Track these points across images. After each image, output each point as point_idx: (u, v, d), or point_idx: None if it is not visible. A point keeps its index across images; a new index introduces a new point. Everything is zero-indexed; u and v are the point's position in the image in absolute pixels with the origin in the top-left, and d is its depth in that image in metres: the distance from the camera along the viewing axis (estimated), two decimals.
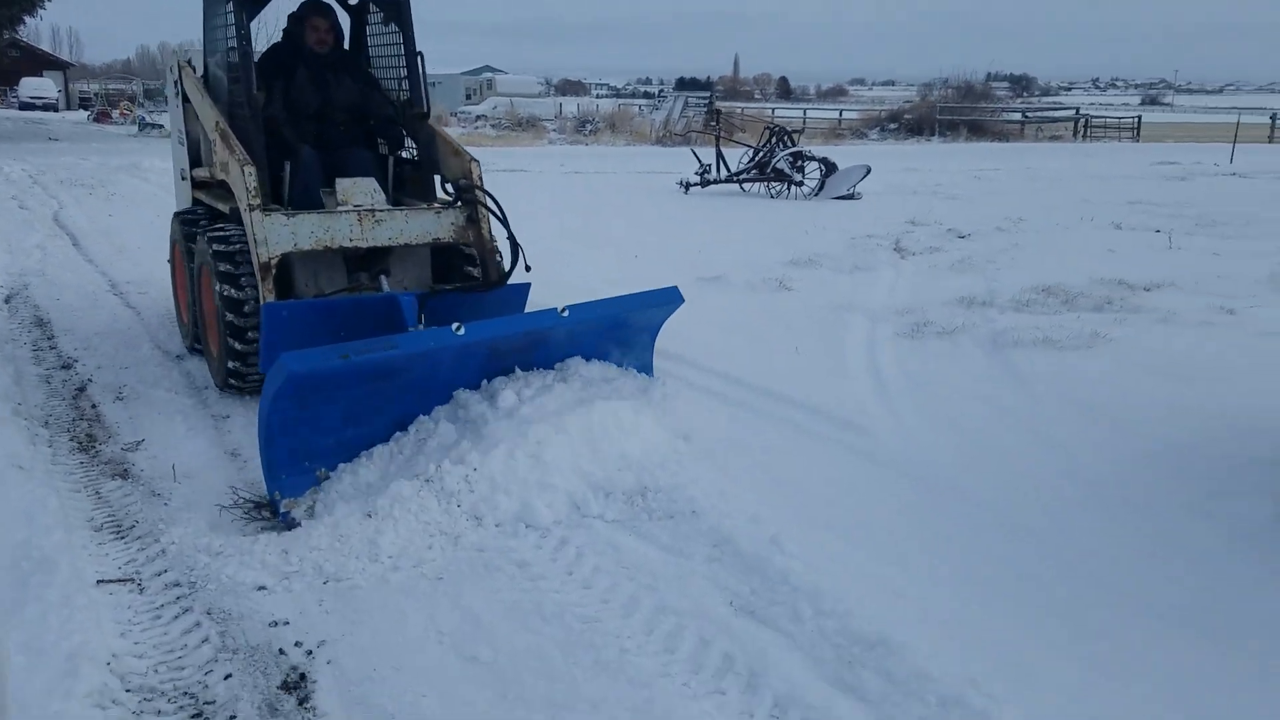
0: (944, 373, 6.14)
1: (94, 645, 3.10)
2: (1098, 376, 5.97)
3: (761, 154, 17.24)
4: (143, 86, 54.50)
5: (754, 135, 20.13)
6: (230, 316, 5.20)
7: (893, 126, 40.58)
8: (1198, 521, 4.16)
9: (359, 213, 5.29)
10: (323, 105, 5.85)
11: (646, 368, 5.36)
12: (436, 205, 5.68)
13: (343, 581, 3.61)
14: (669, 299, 5.16)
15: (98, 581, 3.57)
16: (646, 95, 68.56)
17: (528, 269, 5.30)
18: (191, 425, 5.18)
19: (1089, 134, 40.34)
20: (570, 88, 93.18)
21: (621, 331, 5.14)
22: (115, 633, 3.25)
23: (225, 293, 5.20)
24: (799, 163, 16.68)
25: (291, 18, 5.92)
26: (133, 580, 3.62)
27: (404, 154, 6.24)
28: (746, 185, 17.23)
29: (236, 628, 3.32)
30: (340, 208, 5.37)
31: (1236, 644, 3.27)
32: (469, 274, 5.73)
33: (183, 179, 6.67)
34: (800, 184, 16.50)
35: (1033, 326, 7.05)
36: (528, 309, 5.44)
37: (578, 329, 4.83)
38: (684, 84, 67.59)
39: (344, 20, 6.31)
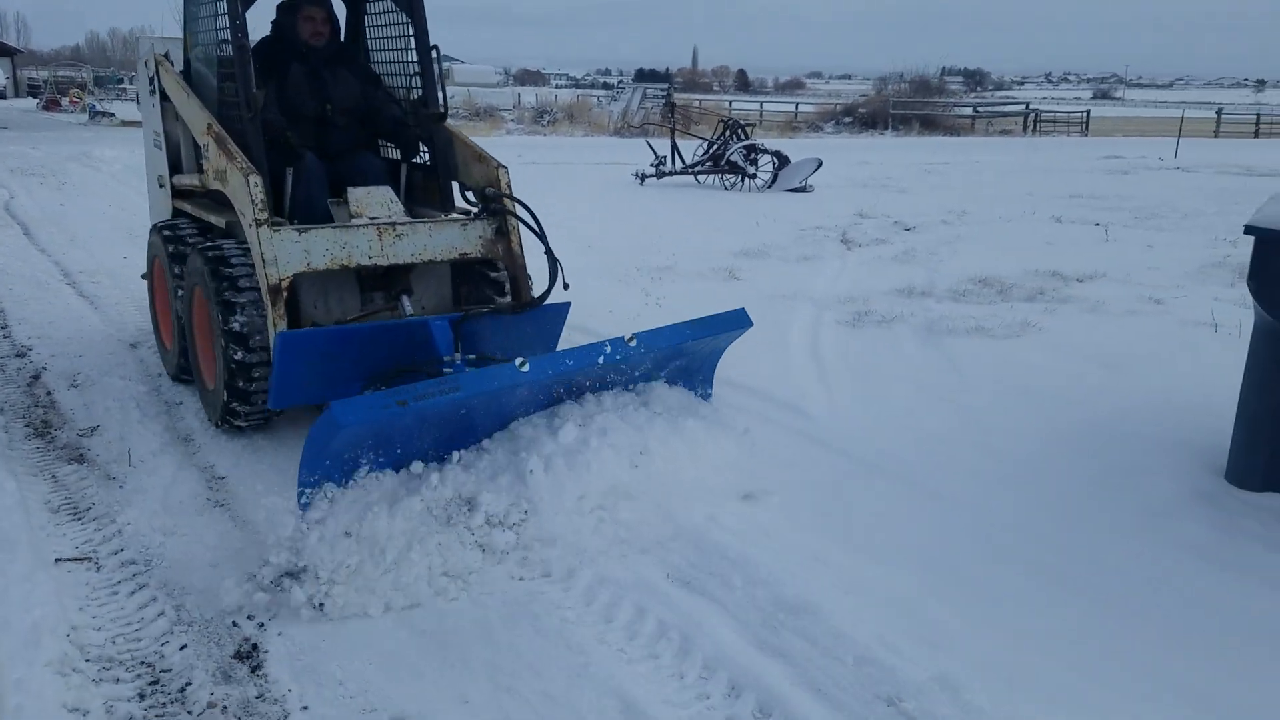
0: (880, 359, 6.38)
1: (54, 619, 3.23)
2: (1025, 362, 6.25)
3: (716, 146, 17.48)
4: (93, 74, 53.67)
5: (710, 128, 20.34)
6: (236, 352, 4.57)
7: (847, 120, 41.06)
8: (1108, 495, 4.42)
9: (377, 226, 4.73)
10: (321, 106, 5.29)
11: (708, 395, 4.85)
12: (461, 217, 5.13)
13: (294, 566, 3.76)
14: (738, 323, 4.59)
15: (56, 560, 3.70)
16: (606, 86, 68.59)
17: (566, 287, 4.77)
18: (145, 411, 5.28)
19: (1038, 128, 41.06)
20: (529, 78, 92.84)
21: (686, 359, 4.61)
22: (74, 607, 3.38)
23: (229, 324, 4.57)
24: (752, 155, 16.93)
25: (281, 8, 5.34)
26: (90, 559, 3.75)
27: (416, 159, 5.66)
28: (701, 177, 17.45)
29: (192, 602, 3.46)
30: (355, 221, 4.81)
31: (1123, 605, 3.52)
32: (489, 293, 5.19)
33: (160, 186, 6.02)
34: (753, 176, 16.75)
35: (967, 316, 7.32)
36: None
37: (645, 358, 4.28)
38: (643, 75, 67.72)
39: (339, 11, 5.71)
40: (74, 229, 11.06)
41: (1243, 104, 57.71)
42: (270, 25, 5.35)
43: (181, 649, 3.19)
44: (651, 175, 17.28)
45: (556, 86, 73.35)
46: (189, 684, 3.01)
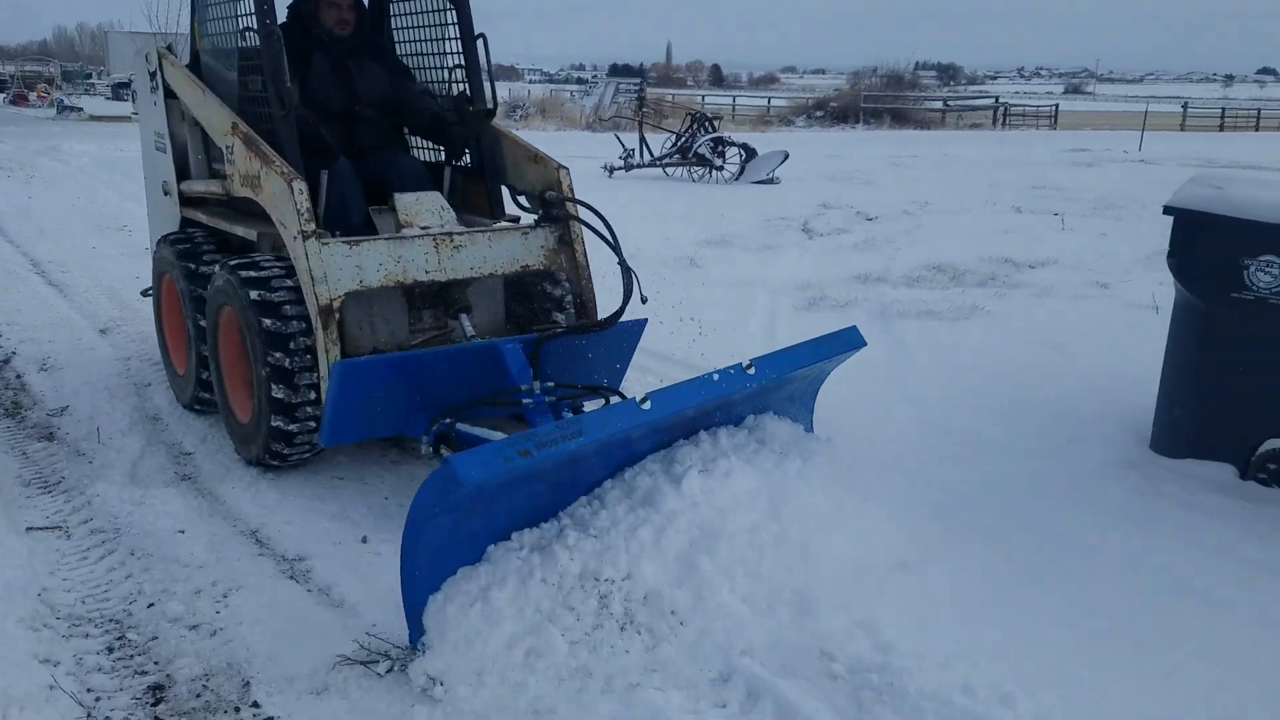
0: None
1: (25, 581, 3.40)
2: (972, 344, 6.48)
3: (683, 139, 17.69)
4: (60, 69, 53.21)
5: (680, 122, 20.54)
6: (279, 392, 4.03)
7: (819, 114, 41.33)
8: (1041, 465, 4.65)
9: (434, 238, 4.26)
10: (349, 101, 4.81)
11: (810, 426, 4.36)
12: (520, 224, 4.73)
13: (259, 533, 3.94)
14: (850, 343, 4.17)
15: (28, 529, 3.86)
16: (580, 81, 68.66)
17: (644, 300, 4.28)
18: (114, 393, 5.43)
19: (1007, 122, 41.49)
20: (502, 73, 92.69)
21: (795, 384, 4.17)
22: (45, 571, 3.55)
23: (273, 356, 4.01)
24: (719, 148, 17.15)
25: None
26: (60, 528, 3.90)
27: (457, 161, 5.17)
28: (669, 170, 17.65)
29: (159, 565, 3.62)
30: (405, 231, 4.34)
31: (1046, 561, 3.75)
32: (546, 309, 4.81)
33: (165, 194, 5.39)
34: (721, 169, 16.97)
35: (919, 300, 7.56)
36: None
37: (761, 386, 3.76)
38: (617, 70, 67.75)
39: None
40: (42, 221, 11.13)
41: (1211, 98, 58.48)
42: (286, 12, 4.79)
43: (149, 607, 3.35)
44: (620, 168, 17.47)
45: (530, 81, 73.38)
46: (155, 637, 3.18)
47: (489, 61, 4.93)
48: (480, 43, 4.94)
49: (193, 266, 4.81)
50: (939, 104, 44.93)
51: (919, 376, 5.81)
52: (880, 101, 41.52)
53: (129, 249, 9.47)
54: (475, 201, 5.07)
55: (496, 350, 3.96)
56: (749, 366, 3.62)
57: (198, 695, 2.91)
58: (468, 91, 5.00)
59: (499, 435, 3.60)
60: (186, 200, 5.23)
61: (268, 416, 4.09)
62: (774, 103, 47.53)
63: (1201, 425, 4.53)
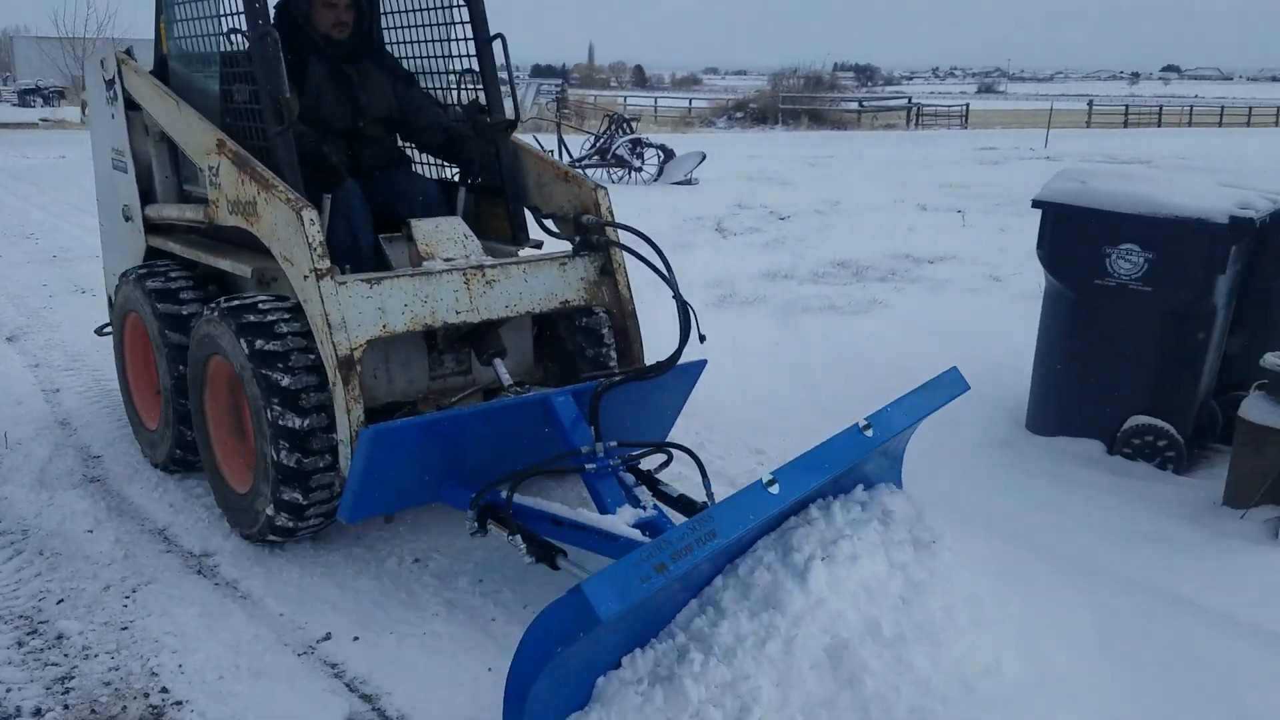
0: (738, 335, 6.85)
1: None
2: (868, 335, 6.78)
3: (602, 141, 17.90)
4: None
5: (599, 123, 20.76)
6: (289, 456, 3.43)
7: (739, 116, 41.91)
8: (923, 444, 4.90)
9: (463, 272, 3.71)
10: (351, 114, 4.24)
11: (899, 478, 3.90)
12: (557, 253, 4.10)
13: (166, 531, 4.03)
14: (956, 386, 3.62)
15: None
16: (501, 82, 68.38)
17: (702, 339, 3.73)
18: (22, 400, 5.43)
19: (920, 122, 42.51)
20: None
21: (899, 439, 3.73)
22: None
23: (282, 419, 3.42)
24: (638, 149, 17.40)
25: None
26: None
27: (474, 180, 4.57)
28: (588, 171, 17.83)
29: (67, 564, 3.69)
30: (429, 264, 3.76)
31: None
32: (579, 347, 4.31)
33: (127, 220, 4.74)
34: (639, 170, 17.22)
35: (822, 295, 7.86)
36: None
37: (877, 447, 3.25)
38: (539, 71, 67.77)
39: None
40: None
41: (1117, 95, 60.54)
42: (274, 12, 4.13)
43: (59, 603, 3.43)
44: None
45: None
46: (61, 636, 3.26)
47: (509, 65, 4.43)
48: (499, 44, 4.43)
49: (170, 308, 4.17)
50: (855, 105, 45.82)
51: (818, 368, 6.08)
52: (798, 103, 42.25)
53: (36, 256, 9.38)
54: (491, 225, 4.53)
55: (547, 404, 3.46)
56: (867, 428, 3.13)
57: (107, 684, 3.01)
58: (481, 100, 4.49)
59: (560, 507, 3.27)
60: (153, 227, 4.63)
61: (275, 487, 3.48)
62: (695, 104, 48.02)
63: (1071, 405, 4.86)
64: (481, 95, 4.49)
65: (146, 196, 4.63)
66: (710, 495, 3.45)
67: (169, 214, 4.49)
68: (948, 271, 8.88)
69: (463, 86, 4.54)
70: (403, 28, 4.76)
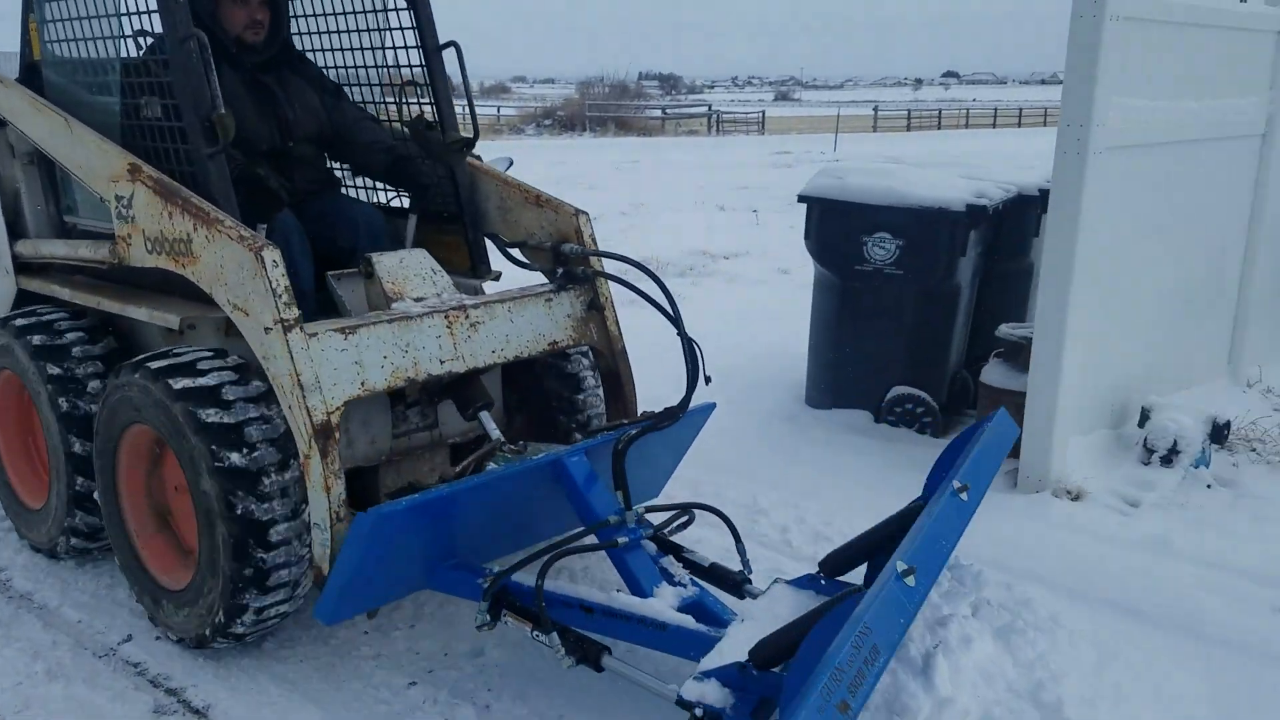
0: None
1: None
2: (667, 325, 7.12)
3: None
4: None
5: None
6: (255, 550, 2.85)
7: (547, 123, 42.29)
8: (717, 422, 5.30)
9: (445, 314, 3.24)
10: (278, 132, 3.70)
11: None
12: (541, 288, 3.63)
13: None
14: (1010, 430, 3.17)
15: None
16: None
17: (708, 381, 3.49)
18: None
19: (721, 128, 44.01)
20: None
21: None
22: None
23: (242, 509, 2.82)
24: None
25: None
26: None
27: (420, 206, 4.01)
28: None
29: None
30: (400, 307, 3.24)
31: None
32: (555, 391, 3.92)
33: None
34: None
35: (626, 291, 8.17)
36: None
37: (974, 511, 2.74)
38: None
39: None
40: None
41: (901, 101, 64.29)
42: None
43: None
44: None
45: None
46: None
47: (465, 76, 3.86)
48: (454, 51, 3.87)
49: (63, 369, 3.49)
50: (659, 112, 46.97)
51: None
52: (605, 110, 42.99)
53: None
54: (439, 255, 3.68)
55: (559, 465, 2.97)
56: (962, 490, 2.62)
57: None
58: (429, 116, 3.93)
59: (589, 591, 2.80)
60: (24, 267, 3.97)
61: (230, 587, 2.87)
62: (504, 112, 48.06)
63: (842, 380, 5.34)
64: (428, 110, 3.96)
65: (14, 230, 3.96)
66: (745, 563, 3.02)
67: (53, 251, 3.80)
68: (741, 266, 9.40)
69: (403, 101, 3.93)
70: (323, 33, 4.17)
